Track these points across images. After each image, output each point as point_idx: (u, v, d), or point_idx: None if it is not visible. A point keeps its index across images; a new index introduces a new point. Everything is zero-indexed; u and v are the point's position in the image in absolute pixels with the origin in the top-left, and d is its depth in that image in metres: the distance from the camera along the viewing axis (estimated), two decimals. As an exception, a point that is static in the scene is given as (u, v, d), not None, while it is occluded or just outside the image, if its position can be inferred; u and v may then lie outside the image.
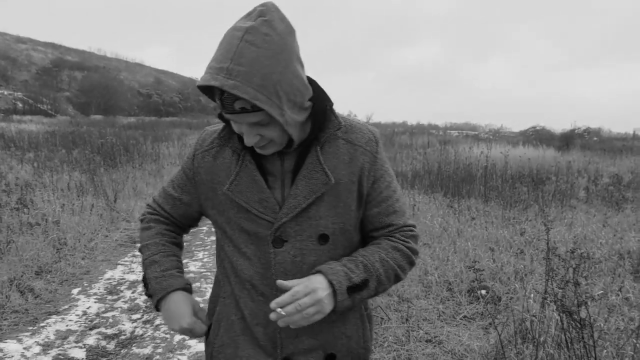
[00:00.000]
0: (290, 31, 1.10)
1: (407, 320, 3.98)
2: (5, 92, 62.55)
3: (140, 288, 4.65)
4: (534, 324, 3.03)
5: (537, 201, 8.87)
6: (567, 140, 26.58)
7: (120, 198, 8.14)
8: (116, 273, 5.08)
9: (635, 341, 2.69)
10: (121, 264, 5.38)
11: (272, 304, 1.09)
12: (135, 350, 3.43)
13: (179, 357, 3.35)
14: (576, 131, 30.11)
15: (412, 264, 1.29)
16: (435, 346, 3.54)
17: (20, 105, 58.35)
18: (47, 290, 4.45)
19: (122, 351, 3.41)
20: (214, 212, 1.29)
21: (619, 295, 4.09)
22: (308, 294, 1.09)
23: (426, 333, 3.77)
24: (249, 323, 1.27)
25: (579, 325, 2.35)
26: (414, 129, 45.55)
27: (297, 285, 1.10)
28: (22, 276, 4.49)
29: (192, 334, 1.24)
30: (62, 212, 6.42)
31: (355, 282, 1.16)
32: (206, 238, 6.62)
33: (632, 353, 2.66)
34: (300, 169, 1.21)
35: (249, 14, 1.07)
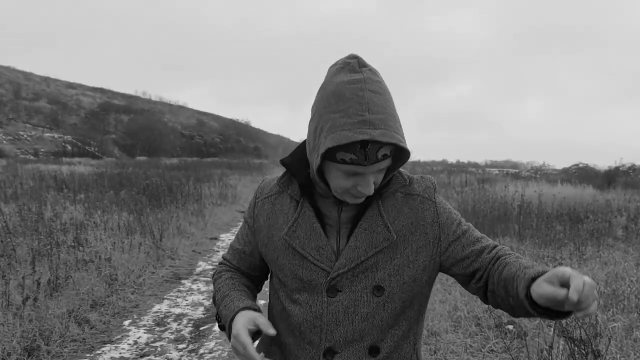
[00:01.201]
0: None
1: (435, 352, 4.19)
2: (56, 136, 65.38)
3: (185, 320, 5.00)
4: (552, 353, 3.22)
5: (573, 240, 8.90)
6: (610, 178, 26.09)
7: (165, 237, 8.59)
8: (163, 307, 5.44)
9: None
10: (167, 299, 5.75)
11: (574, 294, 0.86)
12: (181, 375, 3.75)
13: (221, 382, 3.65)
14: (620, 168, 29.54)
15: None
16: (460, 377, 3.73)
17: (69, 147, 60.86)
18: (101, 322, 4.83)
19: (170, 377, 3.74)
20: (270, 258, 1.31)
21: (643, 330, 4.19)
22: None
23: (453, 365, 3.96)
24: None
25: (583, 351, 2.55)
26: (453, 167, 45.45)
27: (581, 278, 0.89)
28: (79, 308, 4.89)
29: (245, 347, 1.13)
30: (113, 250, 6.88)
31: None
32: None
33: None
34: (360, 221, 1.21)
35: (348, 65, 1.12)
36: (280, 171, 1.41)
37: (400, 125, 1.10)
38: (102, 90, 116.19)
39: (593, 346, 2.97)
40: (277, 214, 1.30)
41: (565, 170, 39.51)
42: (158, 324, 4.89)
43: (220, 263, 1.47)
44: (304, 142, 1.26)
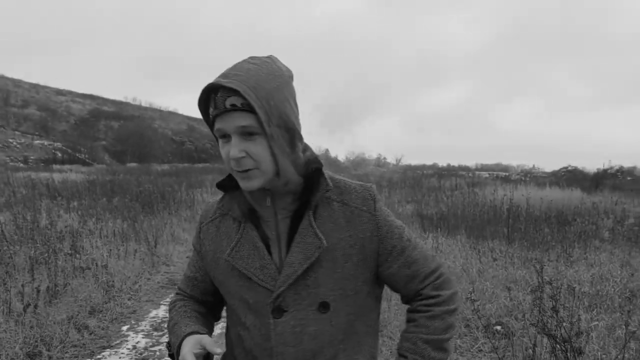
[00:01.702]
0: (290, 73, 1.18)
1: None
2: (46, 143, 65.10)
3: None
4: (536, 351, 3.37)
5: (561, 242, 9.09)
6: (598, 181, 26.38)
7: (159, 243, 8.70)
8: (159, 312, 5.56)
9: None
10: (163, 304, 5.86)
11: None
12: (181, 378, 3.87)
13: (220, 384, 3.78)
14: (609, 171, 29.85)
15: (455, 311, 1.27)
16: (450, 376, 3.88)
17: (59, 154, 60.61)
18: (99, 328, 4.94)
19: (169, 379, 3.86)
20: (218, 282, 1.30)
21: (625, 329, 4.36)
22: None
23: (443, 364, 4.11)
24: None
25: (564, 348, 2.71)
26: (444, 171, 45.74)
27: None
28: (78, 315, 5.00)
29: None
30: (109, 257, 6.98)
31: None
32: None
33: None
34: (295, 235, 1.20)
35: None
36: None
37: (265, 94, 1.08)
38: (91, 97, 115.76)
39: (574, 344, 3.13)
40: (221, 236, 1.28)
41: (554, 173, 39.85)
42: (156, 329, 5.01)
43: (176, 293, 1.45)
44: None
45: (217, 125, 1.12)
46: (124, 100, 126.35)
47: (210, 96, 1.12)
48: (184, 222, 11.70)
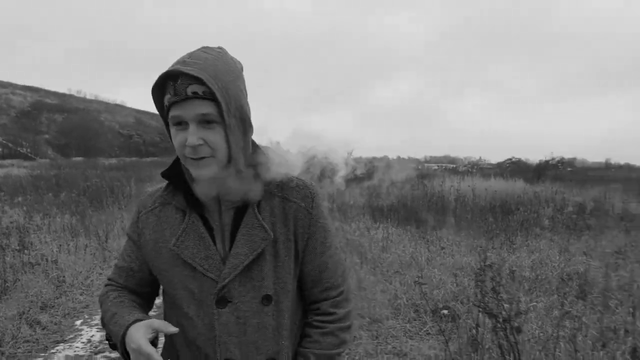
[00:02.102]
0: (240, 65, 1.22)
1: (376, 337, 4.52)
2: (-15, 137, 62.46)
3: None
4: (479, 331, 3.60)
5: (505, 230, 9.50)
6: (540, 172, 27.38)
7: (110, 238, 8.59)
8: (113, 306, 5.54)
9: (557, 340, 3.28)
10: (117, 298, 5.84)
11: None
12: (138, 369, 3.91)
13: (177, 373, 3.84)
14: (550, 162, 31.02)
15: (349, 328, 1.33)
16: (400, 357, 4.07)
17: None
18: (52, 323, 4.90)
19: (126, 370, 3.89)
20: (159, 271, 1.28)
21: (561, 309, 4.67)
22: None
23: (393, 347, 4.30)
24: None
25: (504, 327, 2.93)
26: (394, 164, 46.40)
27: None
28: (29, 310, 4.93)
29: (150, 358, 1.11)
30: (59, 252, 6.87)
31: None
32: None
33: (553, 346, 3.24)
34: (240, 227, 1.21)
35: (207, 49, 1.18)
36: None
37: (224, 84, 1.11)
38: (33, 89, 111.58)
39: (513, 323, 3.36)
40: (163, 226, 1.26)
41: (499, 165, 41.07)
42: (110, 323, 5.00)
43: (106, 285, 1.39)
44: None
45: (175, 112, 1.12)
46: (67, 92, 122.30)
47: (167, 83, 1.12)
48: (135, 217, 11.55)
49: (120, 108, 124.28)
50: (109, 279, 1.39)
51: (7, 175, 20.10)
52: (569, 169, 33.74)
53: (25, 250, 6.43)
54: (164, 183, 1.31)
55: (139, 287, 1.36)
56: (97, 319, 5.09)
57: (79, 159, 51.83)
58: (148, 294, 1.41)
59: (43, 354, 4.19)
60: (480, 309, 3.09)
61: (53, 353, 4.21)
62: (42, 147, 69.44)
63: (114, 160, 44.80)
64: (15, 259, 6.13)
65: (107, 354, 4.23)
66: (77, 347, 4.37)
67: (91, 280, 6.40)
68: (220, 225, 1.23)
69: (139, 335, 1.13)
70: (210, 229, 1.23)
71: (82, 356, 4.15)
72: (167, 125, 1.18)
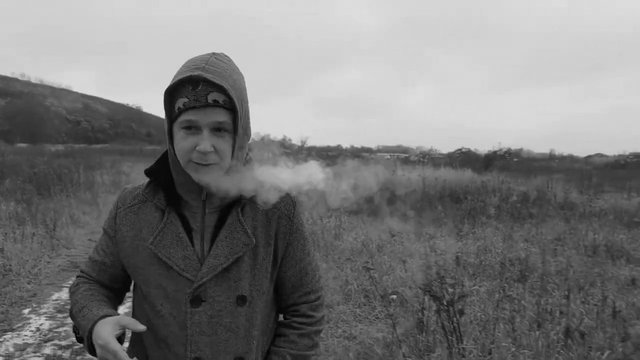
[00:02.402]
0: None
1: (327, 322, 4.65)
2: None
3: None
4: (424, 314, 3.77)
5: (453, 219, 9.81)
6: (488, 162, 28.15)
7: (58, 226, 8.41)
8: (62, 295, 5.47)
9: (496, 321, 3.48)
10: (66, 287, 5.76)
11: None
12: (88, 356, 3.91)
13: (129, 359, 3.86)
14: (498, 152, 31.89)
15: (320, 332, 1.39)
16: (349, 340, 4.21)
17: (-63, 133, 55.53)
18: (-1, 312, 4.81)
19: (77, 358, 3.89)
20: (133, 269, 1.28)
21: (501, 293, 4.92)
22: None
23: (343, 331, 4.44)
24: None
25: (447, 308, 3.09)
26: (347, 153, 46.77)
27: None
28: (-26, 299, 4.83)
29: (116, 355, 1.11)
30: (5, 240, 6.70)
31: None
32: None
33: (493, 327, 3.44)
34: (222, 229, 1.24)
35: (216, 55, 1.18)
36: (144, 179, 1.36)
37: (240, 93, 1.15)
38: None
39: (456, 307, 3.54)
40: (141, 223, 1.27)
41: (450, 155, 41.94)
42: (59, 311, 4.95)
43: (78, 276, 1.38)
44: (164, 153, 1.29)
45: (189, 116, 1.12)
46: (10, 75, 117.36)
47: (184, 86, 1.11)
48: (84, 205, 11.32)
49: (66, 93, 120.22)
50: (81, 271, 1.39)
51: (-54, 161, 19.22)
52: (515, 160, 34.74)
53: (-31, 239, 6.25)
54: (145, 181, 1.31)
55: (111, 282, 1.36)
56: (45, 308, 5.03)
57: (24, 145, 49.94)
58: (119, 290, 1.41)
59: (-10, 343, 4.13)
60: (426, 293, 3.24)
61: (0, 342, 4.15)
62: (-17, 132, 66.55)
63: (61, 147, 43.32)
64: (-42, 248, 5.96)
65: (56, 342, 4.20)
66: (25, 335, 4.32)
67: (39, 269, 6.28)
68: (201, 227, 1.25)
69: (106, 331, 1.13)
70: (189, 230, 1.24)
71: (30, 344, 4.11)
72: (169, 125, 1.19)
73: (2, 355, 3.89)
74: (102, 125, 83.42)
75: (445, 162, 28.46)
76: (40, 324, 4.58)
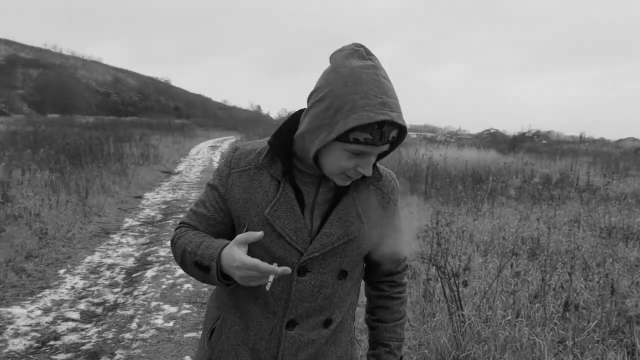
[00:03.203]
0: None
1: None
2: (-43, 90, 60.93)
3: (117, 269, 5.46)
4: (430, 283, 4.00)
5: (473, 198, 9.95)
6: (515, 143, 27.97)
7: (90, 195, 8.82)
8: (95, 258, 5.84)
9: (496, 293, 3.69)
10: (98, 251, 6.14)
11: None
12: (119, 312, 4.26)
13: (156, 316, 4.19)
14: (526, 134, 31.60)
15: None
16: (359, 307, 4.47)
17: (-27, 103, 56.99)
18: (37, 271, 5.20)
19: (108, 313, 4.24)
20: (242, 230, 1.31)
21: (510, 269, 5.11)
22: None
23: (355, 299, 4.70)
24: (253, 336, 1.34)
25: (444, 275, 3.32)
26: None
27: None
28: (14, 259, 5.22)
29: (258, 267, 1.12)
30: (41, 206, 7.11)
31: None
32: (173, 230, 7.41)
33: (493, 297, 3.65)
34: (335, 208, 1.28)
35: (357, 52, 1.17)
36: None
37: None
38: (7, 42, 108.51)
39: (460, 278, 3.77)
40: (255, 189, 1.30)
41: (477, 136, 41.59)
42: (92, 272, 5.31)
43: (180, 226, 1.40)
44: (288, 122, 1.31)
45: (366, 149, 1.15)
46: (43, 47, 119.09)
47: (370, 125, 1.12)
48: (114, 175, 11.75)
49: (97, 65, 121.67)
50: (183, 223, 1.40)
51: (-17, 130, 19.94)
52: (543, 142, 34.37)
53: (9, 203, 6.66)
54: (261, 147, 1.34)
55: (217, 237, 1.35)
56: (79, 269, 5.39)
57: (55, 116, 51.00)
58: None
59: (30, 298, 4.50)
60: (430, 262, 3.47)
61: (40, 297, 4.53)
62: (17, 102, 68.08)
63: (91, 119, 44.21)
64: (-1, 211, 6.37)
65: (90, 299, 4.55)
66: (61, 292, 4.68)
67: (72, 234, 6.67)
68: (313, 202, 1.30)
69: (236, 252, 1.16)
70: (301, 203, 1.29)
71: (66, 300, 4.46)
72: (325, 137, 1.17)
73: (40, 309, 4.25)
74: (132, 98, 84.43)
75: (472, 143, 28.33)
76: (75, 283, 4.94)
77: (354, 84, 1.11)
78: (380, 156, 1.24)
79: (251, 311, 1.33)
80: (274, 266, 1.11)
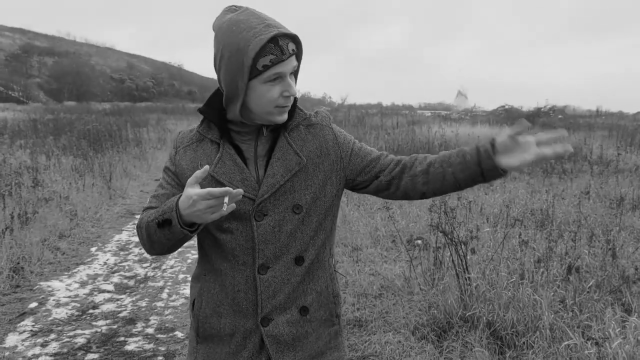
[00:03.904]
0: None
1: (357, 262, 5.19)
2: (-25, 80, 61.86)
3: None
4: (439, 251, 4.25)
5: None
6: (530, 119, 27.84)
7: (113, 178, 9.17)
8: (122, 236, 6.18)
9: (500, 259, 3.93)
10: (125, 230, 6.47)
11: None
12: (150, 284, 4.58)
13: (184, 287, 4.51)
14: (542, 110, 31.37)
15: None
16: (374, 276, 4.74)
17: (-9, 92, 57.89)
18: (70, 249, 5.54)
19: (140, 285, 4.56)
20: None
21: (518, 237, 5.34)
22: None
23: (370, 269, 4.97)
24: (230, 291, 1.40)
25: (451, 241, 3.57)
26: (387, 110, 46.68)
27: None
28: (49, 238, 5.56)
29: (211, 193, 1.16)
30: (69, 190, 7.46)
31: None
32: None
33: (499, 262, 3.90)
34: (273, 152, 1.37)
35: (227, 10, 1.33)
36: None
37: None
38: (21, 31, 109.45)
39: (468, 246, 4.01)
40: (200, 157, 1.40)
41: (493, 112, 41.29)
42: (122, 250, 5.64)
43: (144, 210, 1.43)
44: (216, 90, 1.41)
45: (277, 69, 1.26)
46: (57, 35, 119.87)
47: (265, 46, 1.23)
48: (134, 160, 12.10)
49: (111, 52, 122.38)
50: (145, 208, 1.44)
51: (4, 119, 20.43)
52: (559, 117, 34.08)
53: (39, 187, 7.01)
54: (198, 122, 1.47)
55: None
56: (109, 247, 5.73)
57: (72, 103, 51.67)
58: None
59: (67, 273, 4.84)
60: (437, 229, 3.72)
61: (75, 272, 4.86)
62: (34, 91, 68.98)
63: (107, 105, 44.75)
64: (30, 195, 6.72)
65: (122, 273, 4.88)
66: (95, 267, 5.02)
67: (100, 215, 7.02)
68: (254, 156, 1.39)
69: (189, 191, 1.19)
70: (243, 159, 1.38)
71: (100, 274, 4.79)
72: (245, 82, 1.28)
73: (77, 283, 4.58)
74: (146, 84, 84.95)
75: (486, 120, 28.26)
76: (107, 259, 5.28)
77: (237, 27, 1.24)
78: (297, 76, 1.37)
79: (224, 269, 1.40)
80: (227, 188, 1.16)
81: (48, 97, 68.47)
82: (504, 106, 37.78)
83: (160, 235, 1.29)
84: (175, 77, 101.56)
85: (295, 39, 1.29)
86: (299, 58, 1.34)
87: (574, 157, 13.00)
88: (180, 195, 1.24)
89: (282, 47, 1.24)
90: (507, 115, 32.23)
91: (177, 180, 1.42)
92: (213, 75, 1.44)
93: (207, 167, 1.21)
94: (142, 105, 50.46)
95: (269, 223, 1.35)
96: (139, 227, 1.39)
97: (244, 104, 1.31)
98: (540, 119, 28.73)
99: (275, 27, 1.24)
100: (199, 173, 1.20)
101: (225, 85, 1.31)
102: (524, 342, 3.15)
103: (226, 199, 1.17)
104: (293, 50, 1.28)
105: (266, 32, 1.22)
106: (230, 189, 1.16)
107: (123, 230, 6.48)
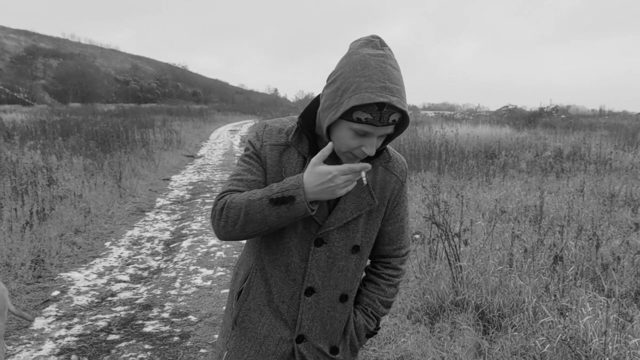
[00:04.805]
0: None
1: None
2: (-19, 82, 62.32)
3: (156, 241, 6.08)
4: (433, 242, 4.53)
5: (485, 173, 10.40)
6: (532, 119, 28.05)
7: (123, 177, 9.47)
8: (135, 232, 6.48)
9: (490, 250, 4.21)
10: (136, 226, 6.78)
11: None
12: (163, 275, 4.88)
13: (195, 277, 4.81)
14: (545, 109, 31.55)
15: (401, 282, 1.66)
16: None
17: (-3, 94, 58.33)
18: (86, 244, 5.84)
19: (154, 276, 4.86)
20: None
21: (512, 232, 5.61)
22: None
23: (370, 261, 5.26)
24: (276, 299, 1.45)
25: (443, 232, 3.86)
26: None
27: None
28: (65, 233, 5.87)
29: (352, 168, 1.24)
30: (82, 188, 7.77)
31: (372, 331, 1.59)
32: (202, 207, 8.03)
33: (487, 255, 4.18)
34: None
35: (371, 42, 1.28)
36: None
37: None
38: (26, 33, 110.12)
39: (461, 238, 4.29)
40: (284, 164, 1.40)
41: (496, 112, 41.48)
42: (134, 244, 5.95)
43: (224, 194, 1.39)
44: (312, 103, 1.42)
45: (367, 129, 1.25)
46: (61, 37, 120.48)
47: (370, 104, 1.22)
48: (142, 160, 12.41)
49: (115, 53, 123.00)
50: (226, 192, 1.40)
51: (13, 120, 20.79)
52: (562, 116, 34.24)
53: (54, 186, 7.33)
54: (291, 123, 1.46)
55: None
56: (123, 242, 6.03)
57: (77, 104, 52.08)
58: None
59: (84, 265, 5.14)
60: (430, 220, 4.01)
61: (92, 264, 5.17)
62: (39, 92, 69.41)
63: (112, 107, 45.14)
64: (45, 193, 7.03)
65: (136, 265, 5.18)
66: (110, 260, 5.32)
67: (112, 212, 7.32)
68: None
69: (324, 167, 1.25)
70: None
71: (116, 267, 5.10)
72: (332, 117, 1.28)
73: (95, 274, 4.89)
74: (150, 85, 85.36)
75: (489, 120, 28.46)
76: (121, 253, 5.58)
77: (362, 68, 1.22)
78: (389, 138, 1.37)
79: (274, 276, 1.45)
80: (365, 163, 1.24)
81: (53, 98, 68.88)
82: (507, 106, 37.98)
83: (272, 213, 1.28)
84: (179, 79, 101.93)
85: (403, 114, 1.28)
86: (398, 127, 1.34)
87: (573, 156, 13.29)
88: (301, 175, 1.28)
89: (384, 115, 1.23)
90: (510, 115, 32.46)
91: (262, 170, 1.43)
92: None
93: (331, 144, 1.27)
94: (147, 106, 50.78)
95: (325, 252, 1.42)
96: (226, 207, 1.34)
97: (329, 129, 1.33)
98: (543, 119, 28.97)
99: (389, 94, 1.21)
100: (325, 151, 1.26)
101: (322, 105, 1.33)
102: (508, 323, 3.43)
103: (363, 173, 1.26)
104: (394, 121, 1.27)
105: (378, 94, 1.20)
106: (368, 164, 1.24)
107: (134, 226, 6.78)
